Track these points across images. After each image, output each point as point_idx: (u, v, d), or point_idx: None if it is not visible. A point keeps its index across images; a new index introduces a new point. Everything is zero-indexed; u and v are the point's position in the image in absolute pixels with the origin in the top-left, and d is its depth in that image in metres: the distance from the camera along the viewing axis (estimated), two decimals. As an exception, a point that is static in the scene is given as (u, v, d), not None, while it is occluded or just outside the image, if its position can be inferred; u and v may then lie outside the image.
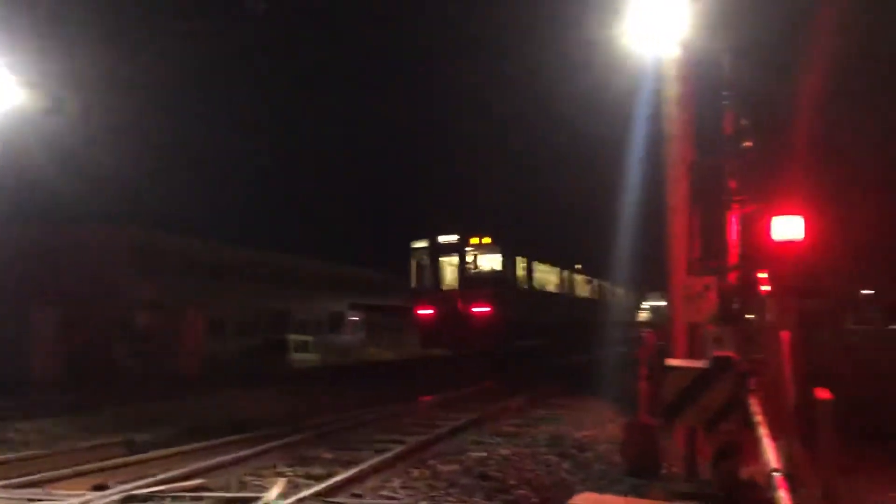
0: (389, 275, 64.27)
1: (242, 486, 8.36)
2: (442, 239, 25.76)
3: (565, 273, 32.69)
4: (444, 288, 26.04)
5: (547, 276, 30.70)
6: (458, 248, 25.69)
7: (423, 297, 26.40)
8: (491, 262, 25.96)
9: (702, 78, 10.64)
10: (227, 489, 8.16)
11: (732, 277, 8.92)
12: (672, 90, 10.74)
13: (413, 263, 26.84)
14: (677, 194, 10.33)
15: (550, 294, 30.83)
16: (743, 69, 9.08)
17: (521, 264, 27.49)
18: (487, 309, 24.53)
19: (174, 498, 7.66)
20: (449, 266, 26.40)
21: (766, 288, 10.33)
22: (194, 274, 39.45)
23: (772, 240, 8.03)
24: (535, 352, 27.49)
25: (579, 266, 34.30)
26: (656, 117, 11.06)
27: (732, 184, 8.96)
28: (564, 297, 32.67)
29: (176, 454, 10.39)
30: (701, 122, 10.65)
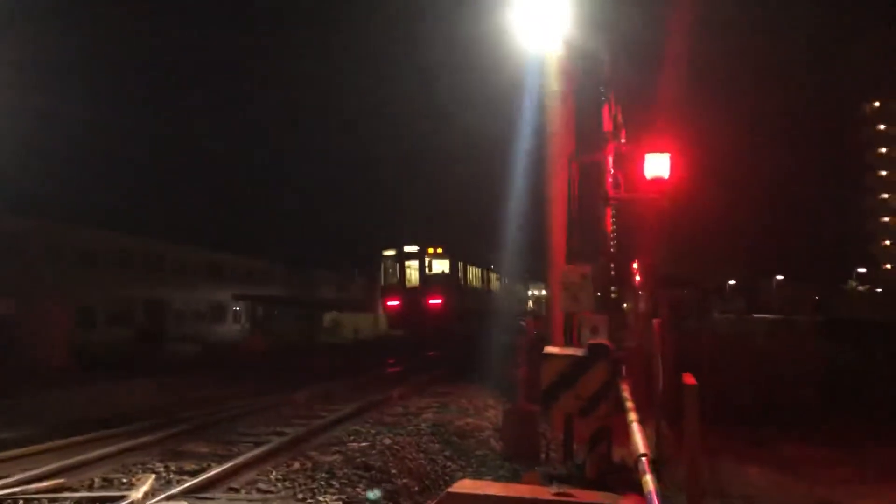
0: (277, 264, 63.04)
1: (107, 484, 7.90)
2: (407, 249, 33.92)
3: (483, 272, 40.60)
4: (408, 285, 33.90)
5: (475, 275, 38.82)
6: (419, 256, 33.92)
7: (391, 293, 34.39)
8: (441, 266, 34.28)
9: (582, 74, 10.97)
10: (90, 488, 7.70)
11: (609, 267, 9.23)
12: (554, 86, 11.02)
13: (382, 267, 35.09)
14: (557, 187, 10.62)
15: (476, 289, 38.93)
16: (620, 66, 9.41)
17: (460, 267, 35.51)
18: (440, 301, 32.75)
19: (27, 500, 7.16)
20: (410, 269, 34.24)
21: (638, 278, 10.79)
22: (61, 260, 37.09)
23: (647, 227, 8.38)
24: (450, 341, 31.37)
25: (492, 265, 41.39)
26: (539, 112, 11.32)
27: (609, 177, 9.27)
28: (484, 291, 40.53)
29: (36, 453, 9.69)
30: (581, 117, 10.98)
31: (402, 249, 33.98)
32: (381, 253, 35.04)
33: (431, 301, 32.74)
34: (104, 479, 8.14)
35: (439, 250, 34.11)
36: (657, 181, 8.30)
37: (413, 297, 32.95)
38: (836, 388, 13.71)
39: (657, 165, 8.28)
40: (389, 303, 34.58)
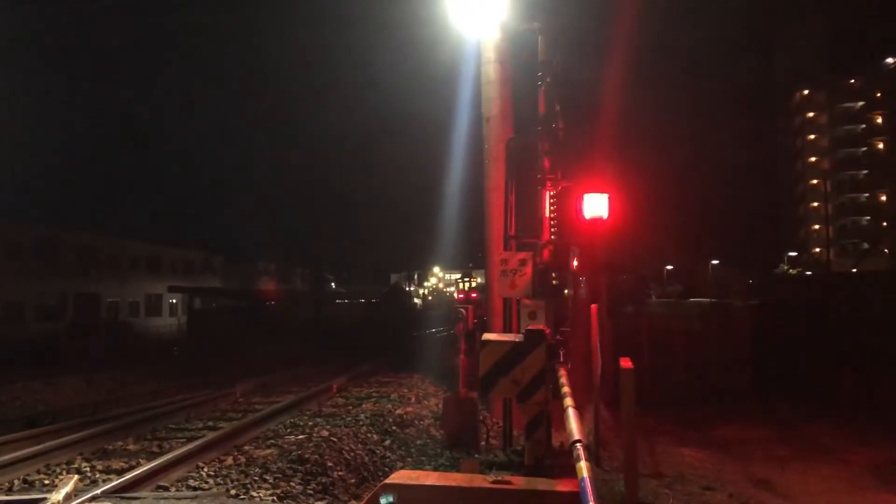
0: (216, 256, 61.75)
1: (28, 486, 7.53)
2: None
3: None
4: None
5: None
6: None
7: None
8: None
9: (519, 60, 10.91)
10: (8, 491, 7.31)
11: (547, 253, 9.19)
12: (491, 71, 10.93)
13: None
14: (495, 172, 10.55)
15: None
16: (556, 52, 9.35)
17: None
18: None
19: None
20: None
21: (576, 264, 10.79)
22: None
23: (582, 216, 8.35)
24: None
25: None
26: (476, 97, 11.22)
27: (546, 163, 9.21)
28: None
29: (-49, 455, 9.18)
30: (518, 103, 10.92)
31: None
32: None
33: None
34: (24, 481, 7.77)
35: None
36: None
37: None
38: (769, 369, 14.09)
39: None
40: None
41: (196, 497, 6.83)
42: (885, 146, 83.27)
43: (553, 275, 9.74)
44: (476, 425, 9.43)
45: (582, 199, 8.36)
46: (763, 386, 13.60)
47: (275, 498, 6.75)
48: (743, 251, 66.64)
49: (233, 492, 7.00)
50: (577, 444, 4.62)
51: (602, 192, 8.25)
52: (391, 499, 6.39)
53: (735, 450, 9.49)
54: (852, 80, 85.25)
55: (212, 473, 7.80)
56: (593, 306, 8.84)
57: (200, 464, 8.29)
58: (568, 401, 6.03)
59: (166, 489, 7.32)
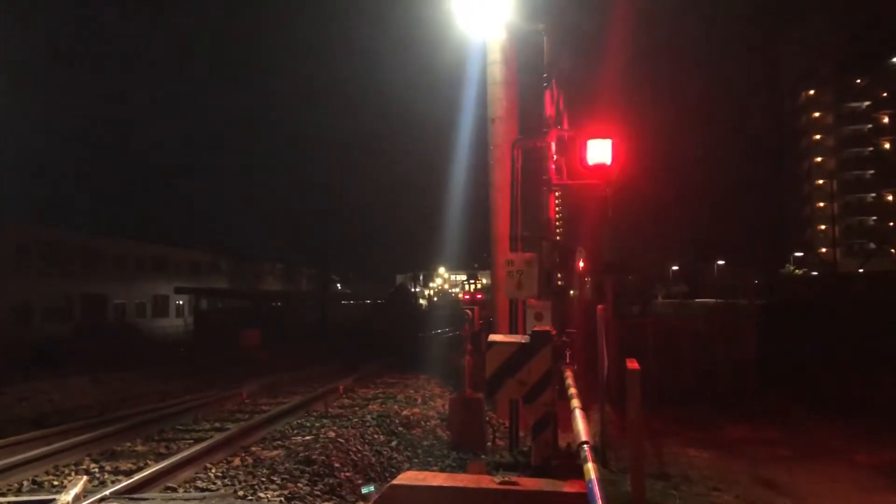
0: (222, 257, 61.83)
1: (37, 487, 7.58)
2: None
3: None
4: None
5: None
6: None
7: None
8: None
9: (525, 60, 10.92)
10: (17, 492, 7.36)
11: (553, 254, 9.21)
12: (497, 72, 10.94)
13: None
14: (501, 173, 10.56)
15: None
16: (562, 53, 9.38)
17: None
18: None
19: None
20: None
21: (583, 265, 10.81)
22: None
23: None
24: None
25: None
26: (482, 98, 11.24)
27: (552, 163, 9.23)
28: None
29: (-40, 456, 9.23)
30: (524, 104, 10.93)
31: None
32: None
33: None
34: (34, 482, 7.82)
35: None
36: (599, 167, 8.24)
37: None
38: (775, 370, 14.06)
39: (599, 151, 8.21)
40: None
41: (204, 498, 6.87)
42: (891, 146, 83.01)
43: (559, 276, 9.77)
44: (482, 426, 9.44)
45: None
46: (769, 386, 13.57)
47: (282, 499, 6.77)
48: (748, 251, 66.42)
49: (241, 493, 7.03)
50: (585, 446, 4.64)
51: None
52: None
53: (742, 450, 9.47)
54: (858, 80, 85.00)
55: (219, 474, 7.85)
56: (599, 307, 8.84)
57: (208, 465, 8.33)
58: (575, 402, 6.04)
59: (175, 490, 7.36)
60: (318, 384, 16.58)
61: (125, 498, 6.62)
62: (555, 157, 9.38)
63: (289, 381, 17.67)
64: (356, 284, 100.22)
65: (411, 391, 15.16)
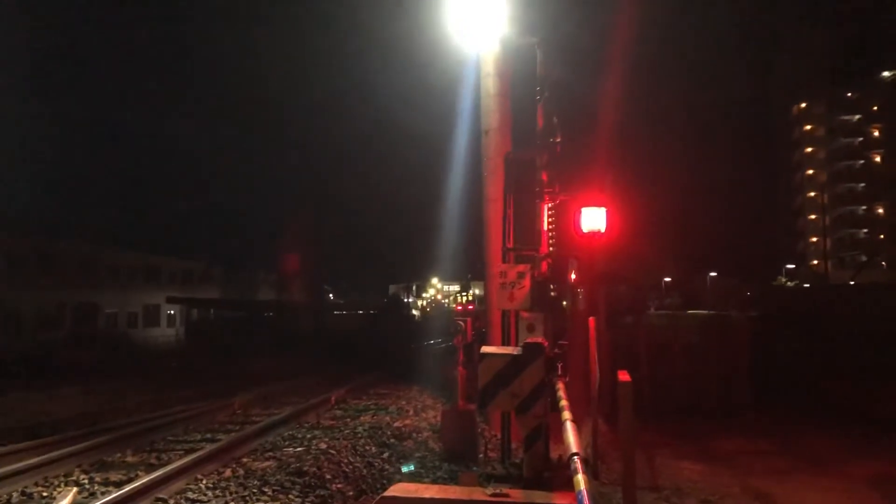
0: (215, 266, 61.68)
1: (26, 498, 7.52)
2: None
3: None
4: None
5: None
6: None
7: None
8: None
9: (518, 73, 10.98)
10: (8, 503, 7.31)
11: (545, 266, 9.23)
12: (490, 85, 11.00)
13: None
14: (494, 185, 10.59)
15: None
16: (555, 67, 9.44)
17: None
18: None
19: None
20: None
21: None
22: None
23: (579, 230, 8.38)
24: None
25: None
26: (476, 110, 11.29)
27: (545, 176, 9.26)
28: None
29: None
30: (517, 117, 10.99)
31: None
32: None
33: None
34: (23, 494, 7.76)
35: None
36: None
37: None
38: (768, 382, 14.08)
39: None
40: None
41: (194, 509, 6.84)
42: (882, 159, 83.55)
43: (551, 287, 9.78)
44: (475, 438, 9.43)
45: (580, 212, 8.39)
46: (762, 398, 13.58)
47: (273, 510, 6.75)
48: (741, 263, 66.69)
49: (231, 504, 7.01)
50: (575, 457, 4.64)
51: (600, 205, 8.29)
52: None
53: (734, 462, 9.47)
54: (850, 94, 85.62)
55: (210, 486, 7.81)
56: (591, 319, 8.86)
57: (199, 476, 8.28)
58: (566, 414, 6.05)
59: (165, 502, 7.32)
60: (311, 395, 16.53)
61: (115, 509, 6.58)
62: (547, 169, 9.42)
63: (281, 391, 17.62)
64: (349, 295, 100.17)
65: (403, 402, 15.14)
